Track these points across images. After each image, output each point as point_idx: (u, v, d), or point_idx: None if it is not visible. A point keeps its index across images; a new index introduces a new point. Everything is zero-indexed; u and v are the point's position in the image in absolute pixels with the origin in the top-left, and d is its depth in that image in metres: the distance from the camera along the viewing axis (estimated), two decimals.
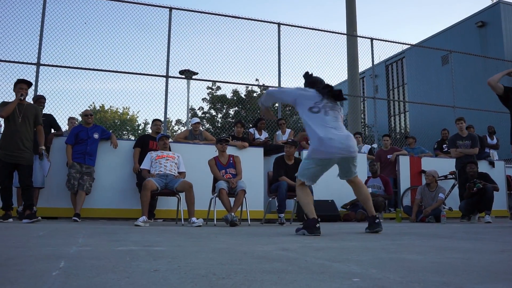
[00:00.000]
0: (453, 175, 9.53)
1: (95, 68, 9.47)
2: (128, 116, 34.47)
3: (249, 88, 24.12)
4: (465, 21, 25.36)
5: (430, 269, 1.84)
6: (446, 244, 3.14)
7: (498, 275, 1.69)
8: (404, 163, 9.99)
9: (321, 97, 4.50)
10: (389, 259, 2.18)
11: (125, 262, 2.01)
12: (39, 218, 6.26)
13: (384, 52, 15.27)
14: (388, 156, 9.99)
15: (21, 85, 6.45)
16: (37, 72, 8.85)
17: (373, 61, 12.31)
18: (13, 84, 6.53)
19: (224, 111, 25.85)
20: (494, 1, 24.05)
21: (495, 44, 22.93)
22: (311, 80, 4.80)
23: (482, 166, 9.69)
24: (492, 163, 10.62)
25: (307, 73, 4.89)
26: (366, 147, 10.64)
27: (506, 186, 10.71)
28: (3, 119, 6.53)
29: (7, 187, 6.42)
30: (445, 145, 10.74)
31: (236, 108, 24.87)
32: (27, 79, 6.61)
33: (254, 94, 24.49)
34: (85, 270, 1.74)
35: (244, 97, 24.06)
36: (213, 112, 26.08)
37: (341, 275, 1.66)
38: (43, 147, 6.72)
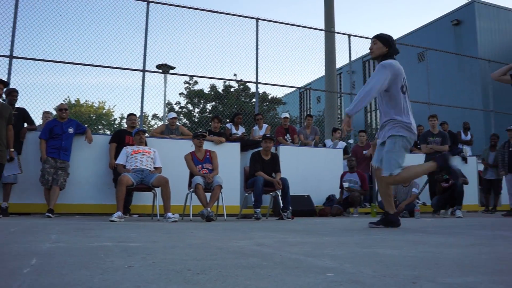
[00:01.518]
0: None
1: (71, 61, 9.31)
2: (104, 111, 34.03)
3: (227, 83, 24.07)
4: (441, 19, 25.73)
5: (402, 263, 1.87)
6: (419, 239, 3.19)
7: (468, 268, 1.73)
8: None
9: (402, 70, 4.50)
10: (363, 254, 2.21)
11: (98, 258, 1.99)
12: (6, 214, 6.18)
13: (361, 49, 15.42)
14: (364, 152, 10.09)
15: None
16: (10, 65, 8.66)
17: (350, 57, 12.40)
18: None
19: (201, 106, 25.74)
20: (469, 0, 24.44)
21: (470, 42, 23.33)
22: (395, 47, 4.62)
23: (455, 162, 9.87)
24: (465, 159, 10.84)
25: (390, 36, 4.64)
26: (341, 144, 10.72)
27: (478, 182, 10.95)
28: None
29: None
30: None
31: (214, 103, 24.80)
32: (2, 78, 6.50)
33: (232, 89, 24.45)
34: (58, 267, 1.71)
35: (221, 92, 24.00)
36: (190, 107, 25.94)
37: (315, 269, 1.67)
38: (13, 149, 6.65)
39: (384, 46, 4.58)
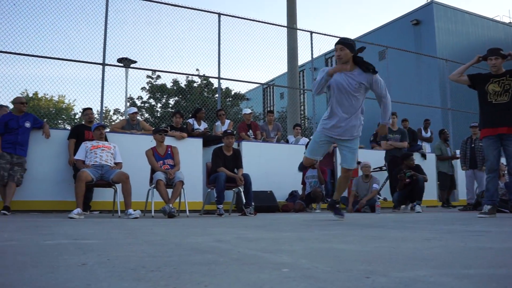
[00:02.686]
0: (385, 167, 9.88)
1: (28, 53, 9.02)
2: (64, 105, 33.23)
3: (190, 78, 23.90)
4: (401, 19, 26.25)
5: (358, 258, 1.89)
6: (376, 233, 3.24)
7: (421, 262, 1.77)
8: None
9: None
10: (320, 249, 2.23)
11: (51, 256, 1.94)
12: None
13: (323, 46, 15.55)
14: None
15: None
16: None
17: (312, 54, 12.49)
18: None
19: (164, 100, 25.47)
20: (428, 1, 25.01)
21: (429, 41, 23.90)
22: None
23: (414, 158, 10.12)
24: (424, 155, 11.12)
25: (353, 41, 5.05)
26: (304, 140, 10.81)
27: (437, 178, 11.25)
28: None
29: None
30: None
31: (176, 98, 24.58)
32: None
33: (195, 84, 24.28)
34: (7, 266, 1.66)
35: (184, 87, 23.81)
36: (152, 101, 25.63)
37: (271, 265, 1.68)
38: None
39: (351, 51, 4.88)
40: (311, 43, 12.27)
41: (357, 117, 5.12)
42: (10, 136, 6.94)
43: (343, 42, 4.87)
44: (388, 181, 9.69)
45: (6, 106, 9.01)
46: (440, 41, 23.77)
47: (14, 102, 7.39)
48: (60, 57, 9.23)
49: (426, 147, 12.23)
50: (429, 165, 10.80)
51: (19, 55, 8.95)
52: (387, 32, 25.67)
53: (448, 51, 22.28)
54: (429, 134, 12.61)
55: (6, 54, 8.87)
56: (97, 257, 1.90)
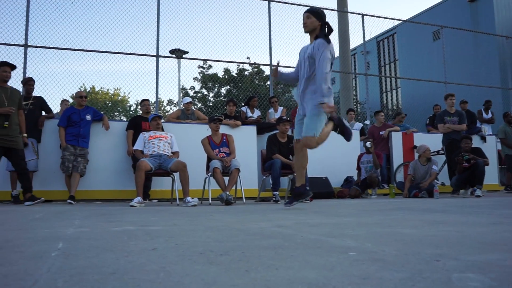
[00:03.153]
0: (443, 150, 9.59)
1: (84, 48, 9.36)
2: (119, 97, 34.25)
3: (240, 66, 24.02)
4: None
5: (424, 242, 1.87)
6: (439, 218, 3.18)
7: (491, 246, 1.72)
8: (397, 139, 10.05)
9: None
10: (384, 233, 2.21)
11: (122, 241, 2.02)
12: (42, 198, 6.33)
13: (375, 28, 15.28)
14: (381, 133, 10.03)
15: (5, 68, 6.41)
16: (25, 53, 8.72)
17: (364, 37, 12.24)
18: None
19: (215, 90, 25.75)
20: None
21: (486, 19, 22.89)
22: (327, 23, 4.67)
23: (474, 141, 9.77)
24: (483, 138, 10.71)
25: (322, 11, 4.69)
26: (358, 125, 10.66)
27: (498, 161, 10.82)
28: None
29: None
30: None
31: (228, 86, 24.79)
32: (11, 62, 6.57)
33: (246, 72, 24.38)
34: (84, 250, 1.75)
35: (235, 75, 23.96)
36: (204, 91, 25.97)
37: (337, 249, 1.69)
38: (26, 135, 6.75)
39: (317, 20, 4.59)
40: (363, 26, 12.01)
41: (311, 84, 4.64)
42: (73, 129, 7.24)
43: (311, 11, 4.62)
44: (446, 165, 9.42)
45: (67, 100, 9.41)
46: (500, 17, 22.70)
47: (75, 96, 7.70)
48: (116, 51, 9.51)
49: (487, 129, 11.77)
50: (489, 148, 10.41)
51: (76, 51, 9.29)
52: (442, 11, 24.79)
53: (508, 28, 21.30)
54: (490, 115, 12.12)
55: (64, 50, 9.23)
56: (165, 243, 1.96)
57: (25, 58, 8.70)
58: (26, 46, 8.75)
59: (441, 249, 1.63)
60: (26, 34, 8.77)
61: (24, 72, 8.51)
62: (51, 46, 9.10)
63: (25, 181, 6.42)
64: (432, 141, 9.85)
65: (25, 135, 6.78)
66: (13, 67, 6.55)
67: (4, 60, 7.08)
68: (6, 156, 6.43)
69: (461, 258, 1.44)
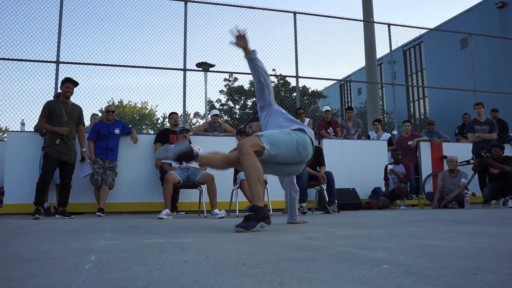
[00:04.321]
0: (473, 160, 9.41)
1: (113, 63, 9.54)
2: (147, 111, 34.70)
3: None
4: (484, 2, 24.84)
5: (459, 254, 1.83)
6: (471, 229, 3.11)
7: None
8: (425, 149, 9.90)
9: None
10: (416, 245, 2.17)
11: (153, 254, 2.04)
12: (72, 216, 6.43)
13: (401, 37, 15.14)
14: (409, 143, 9.90)
15: (68, 84, 6.66)
16: (57, 69, 8.93)
17: (390, 47, 12.14)
18: (61, 82, 6.78)
19: (241, 102, 25.87)
20: None
21: None
22: None
23: (506, 150, 9.55)
24: None
25: None
26: (385, 135, 10.55)
27: None
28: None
29: (48, 183, 6.65)
30: None
31: (254, 99, 24.86)
32: (45, 78, 6.76)
33: (271, 84, 24.44)
34: (116, 262, 1.77)
35: None
36: (231, 103, 26.11)
37: (369, 261, 1.66)
38: (85, 149, 6.96)
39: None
40: (389, 36, 11.92)
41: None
42: (102, 142, 7.37)
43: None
44: (476, 175, 9.22)
45: (96, 115, 9.58)
46: None
47: (104, 111, 7.84)
48: (144, 65, 9.67)
49: None
50: None
51: (105, 66, 9.49)
52: (470, 18, 24.41)
53: None
54: None
55: (94, 66, 9.42)
56: (195, 255, 1.97)
57: (56, 74, 8.92)
58: (58, 62, 8.98)
59: (477, 262, 1.60)
60: (58, 51, 9.00)
61: (56, 88, 8.71)
62: (81, 62, 9.31)
63: (64, 196, 6.64)
64: (462, 150, 9.67)
65: (84, 149, 7.00)
66: (75, 83, 6.75)
67: (38, 75, 7.31)
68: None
69: (499, 271, 1.40)
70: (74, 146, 6.74)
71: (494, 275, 1.34)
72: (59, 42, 9.03)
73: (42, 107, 6.65)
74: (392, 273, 1.40)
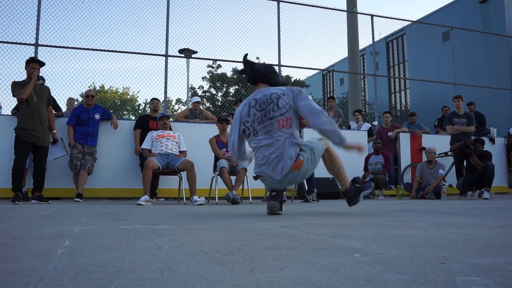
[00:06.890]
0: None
1: (94, 48, 9.41)
2: (128, 96, 34.40)
3: None
4: None
5: (430, 244, 1.86)
6: (446, 220, 3.16)
7: (498, 249, 1.71)
8: (405, 140, 10.01)
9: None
10: (390, 235, 2.21)
11: (128, 240, 2.03)
12: (49, 202, 6.33)
13: (384, 29, 15.25)
14: (389, 133, 10.00)
15: (34, 65, 6.43)
16: (36, 52, 8.78)
17: (373, 38, 12.18)
18: (25, 62, 6.51)
19: (224, 89, 25.77)
20: None
21: (497, 20, 22.68)
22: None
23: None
24: (492, 140, 10.65)
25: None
26: (366, 125, 10.63)
27: (506, 163, 10.76)
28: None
29: (23, 168, 6.46)
30: None
31: (237, 86, 24.80)
32: (24, 60, 6.60)
33: None
34: (90, 248, 1.76)
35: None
36: (213, 90, 26.00)
37: (342, 250, 1.68)
38: (55, 131, 6.83)
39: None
40: (372, 27, 11.97)
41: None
42: (82, 127, 7.28)
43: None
44: (454, 167, 9.37)
45: (73, 99, 9.44)
46: (511, 18, 22.51)
47: (84, 95, 7.74)
48: (126, 50, 9.56)
49: (495, 130, 11.69)
50: (498, 149, 10.36)
51: (86, 50, 9.36)
52: (452, 12, 24.62)
53: None
54: None
55: (74, 49, 9.28)
56: (170, 242, 1.97)
57: (35, 57, 8.75)
58: (36, 45, 8.82)
59: (447, 252, 1.63)
60: (37, 33, 8.83)
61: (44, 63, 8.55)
62: (61, 45, 9.16)
63: (39, 181, 6.49)
64: (441, 142, 9.80)
65: (55, 131, 6.86)
66: (41, 63, 6.57)
67: (16, 58, 7.15)
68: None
69: (466, 261, 1.43)
70: (47, 128, 6.57)
71: (461, 264, 1.36)
72: (38, 24, 8.85)
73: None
74: (362, 262, 1.42)
